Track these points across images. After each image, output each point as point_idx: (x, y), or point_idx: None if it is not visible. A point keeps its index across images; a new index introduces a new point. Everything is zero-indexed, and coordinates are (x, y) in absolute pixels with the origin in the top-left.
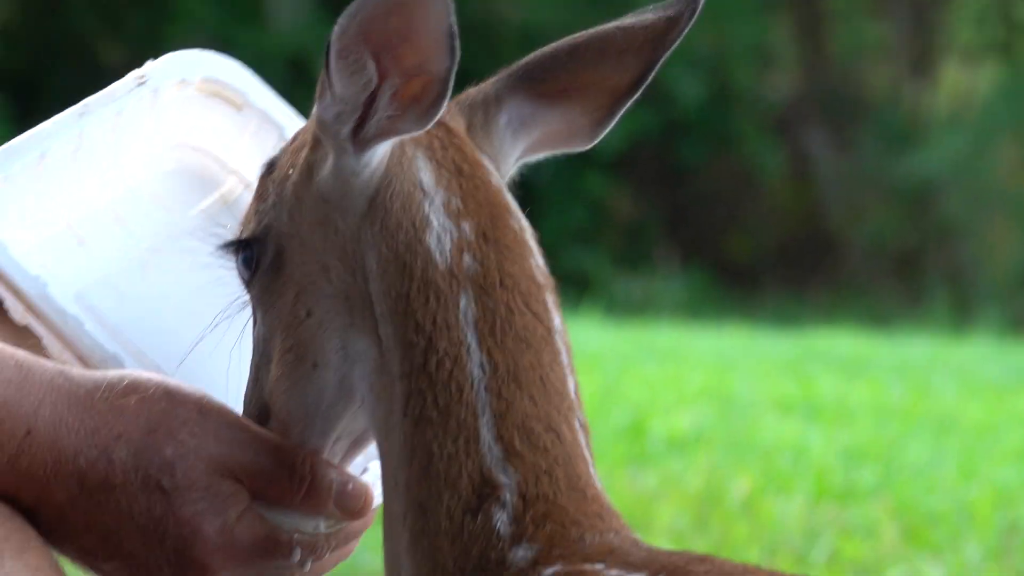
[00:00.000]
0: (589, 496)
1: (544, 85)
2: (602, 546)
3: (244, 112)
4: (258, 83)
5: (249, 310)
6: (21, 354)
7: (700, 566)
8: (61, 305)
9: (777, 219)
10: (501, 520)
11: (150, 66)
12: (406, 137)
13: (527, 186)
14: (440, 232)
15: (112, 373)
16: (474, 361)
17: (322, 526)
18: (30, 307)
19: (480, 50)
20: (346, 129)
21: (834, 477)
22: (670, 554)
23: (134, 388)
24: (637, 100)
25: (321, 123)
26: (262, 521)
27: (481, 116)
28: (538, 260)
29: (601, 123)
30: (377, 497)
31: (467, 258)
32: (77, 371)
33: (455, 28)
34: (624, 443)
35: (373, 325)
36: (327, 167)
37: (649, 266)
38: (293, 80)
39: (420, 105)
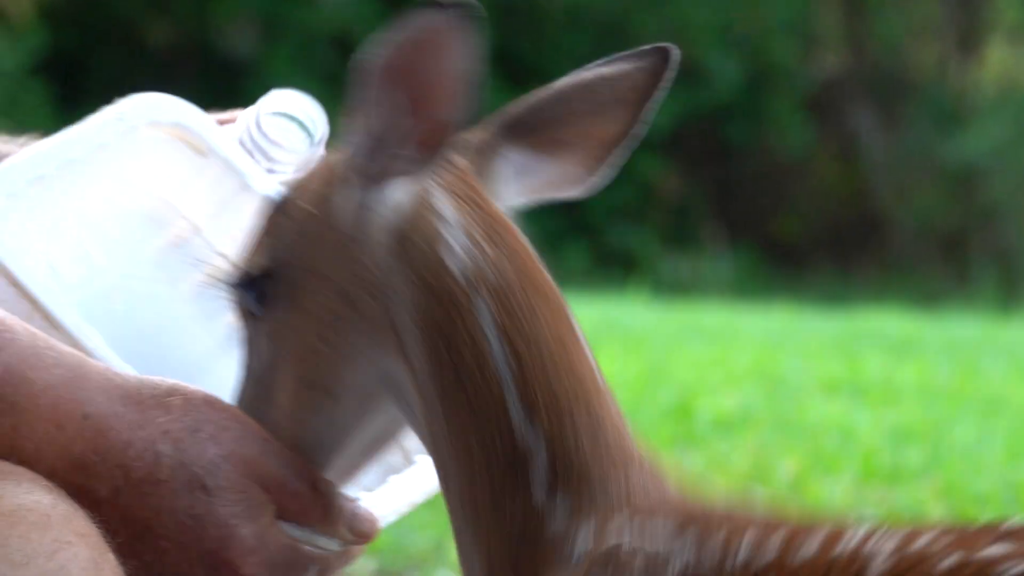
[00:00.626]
0: (627, 449)
1: (538, 136)
2: (628, 495)
3: (207, 158)
4: (220, 131)
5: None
6: (72, 349)
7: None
8: (77, 318)
9: (824, 199)
10: (537, 490)
11: (126, 104)
12: (414, 176)
13: None
14: (462, 254)
15: (151, 376)
16: (498, 360)
17: (334, 545)
18: (47, 316)
19: (525, 30)
20: (377, 165)
21: (881, 458)
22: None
23: (176, 390)
24: (679, 81)
25: (344, 159)
26: (285, 533)
27: (479, 163)
28: (545, 269)
29: (595, 171)
30: (382, 520)
31: (490, 274)
32: (120, 371)
33: (472, 79)
34: (671, 424)
35: (403, 352)
36: (349, 204)
37: (696, 246)
38: (339, 60)
39: (427, 147)
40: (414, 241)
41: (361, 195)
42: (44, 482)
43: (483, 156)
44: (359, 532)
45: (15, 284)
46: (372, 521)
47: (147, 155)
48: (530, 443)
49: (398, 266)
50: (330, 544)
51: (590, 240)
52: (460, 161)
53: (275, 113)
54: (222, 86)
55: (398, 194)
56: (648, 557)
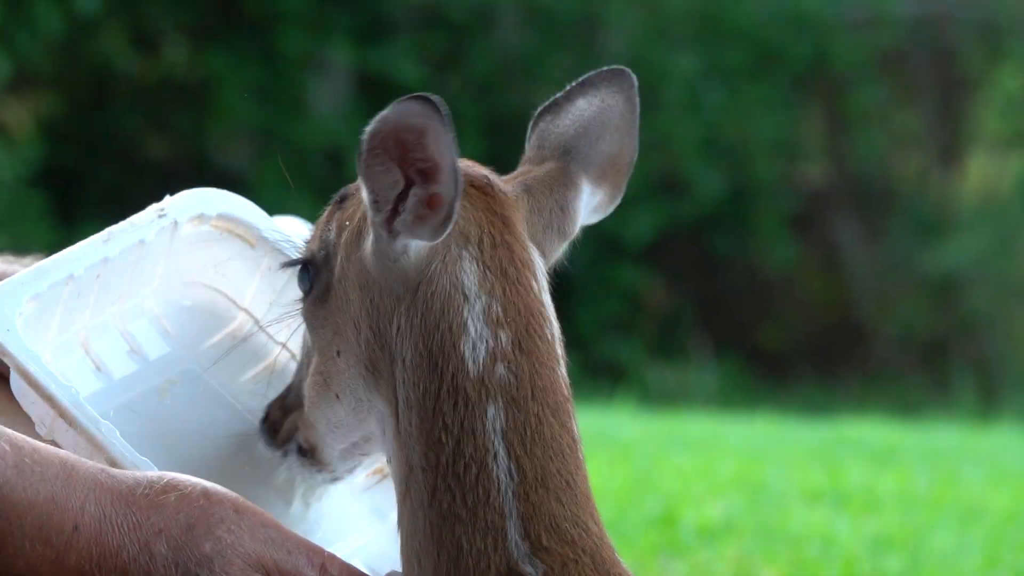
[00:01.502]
0: (614, 574)
1: (595, 168)
2: None
3: (257, 248)
4: (269, 220)
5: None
6: (63, 453)
7: None
8: (95, 413)
9: (808, 309)
10: None
11: (169, 201)
12: (423, 239)
13: (562, 278)
14: (476, 340)
15: (151, 472)
16: (501, 468)
17: None
18: (63, 414)
19: (511, 142)
20: (379, 217)
21: (861, 565)
22: None
23: (173, 486)
24: (663, 192)
25: (364, 205)
26: None
27: (553, 200)
28: (564, 371)
29: (618, 196)
30: None
31: (500, 368)
32: (117, 470)
33: (458, 165)
34: (656, 532)
35: (394, 400)
36: (369, 241)
37: (683, 356)
38: (330, 172)
39: (432, 217)
40: (434, 314)
41: (380, 241)
42: None
43: (561, 192)
44: None
45: (33, 385)
46: None
47: (197, 249)
48: (524, 559)
49: (410, 333)
50: None
51: (580, 351)
52: (513, 214)
53: None
54: None
55: (418, 251)
56: None
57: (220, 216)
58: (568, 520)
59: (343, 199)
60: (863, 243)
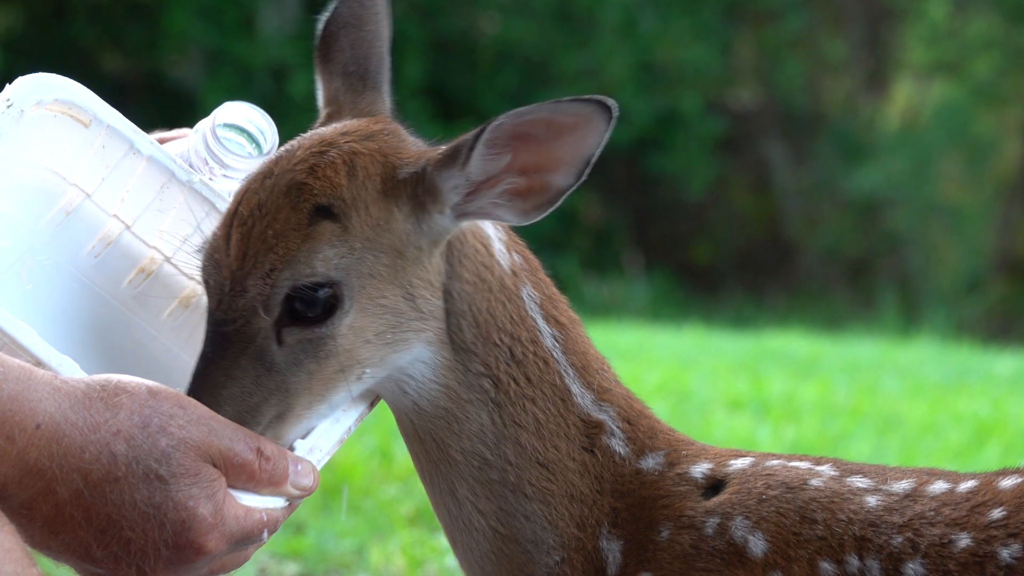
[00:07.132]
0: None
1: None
2: (722, 451)
3: (91, 128)
4: (104, 104)
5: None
6: (18, 361)
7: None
8: (11, 316)
9: (737, 226)
10: (616, 444)
11: (11, 90)
12: (510, 222)
13: None
14: (497, 242)
15: (96, 376)
16: (546, 336)
17: (281, 502)
18: None
19: (457, 65)
20: (455, 199)
21: None
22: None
23: (122, 388)
24: None
25: (434, 188)
26: (239, 504)
27: None
28: None
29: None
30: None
31: (516, 256)
32: (66, 376)
33: (594, 159)
34: None
35: (447, 336)
36: (424, 222)
37: (616, 270)
38: (276, 89)
39: (524, 203)
40: (473, 246)
41: (440, 220)
42: None
43: None
44: (302, 487)
45: None
46: (312, 473)
47: (35, 133)
48: (593, 407)
49: (458, 268)
50: (277, 503)
51: None
52: None
53: (227, 124)
54: (170, 112)
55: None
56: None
57: (56, 100)
58: (605, 363)
59: (337, 217)
60: (791, 163)
